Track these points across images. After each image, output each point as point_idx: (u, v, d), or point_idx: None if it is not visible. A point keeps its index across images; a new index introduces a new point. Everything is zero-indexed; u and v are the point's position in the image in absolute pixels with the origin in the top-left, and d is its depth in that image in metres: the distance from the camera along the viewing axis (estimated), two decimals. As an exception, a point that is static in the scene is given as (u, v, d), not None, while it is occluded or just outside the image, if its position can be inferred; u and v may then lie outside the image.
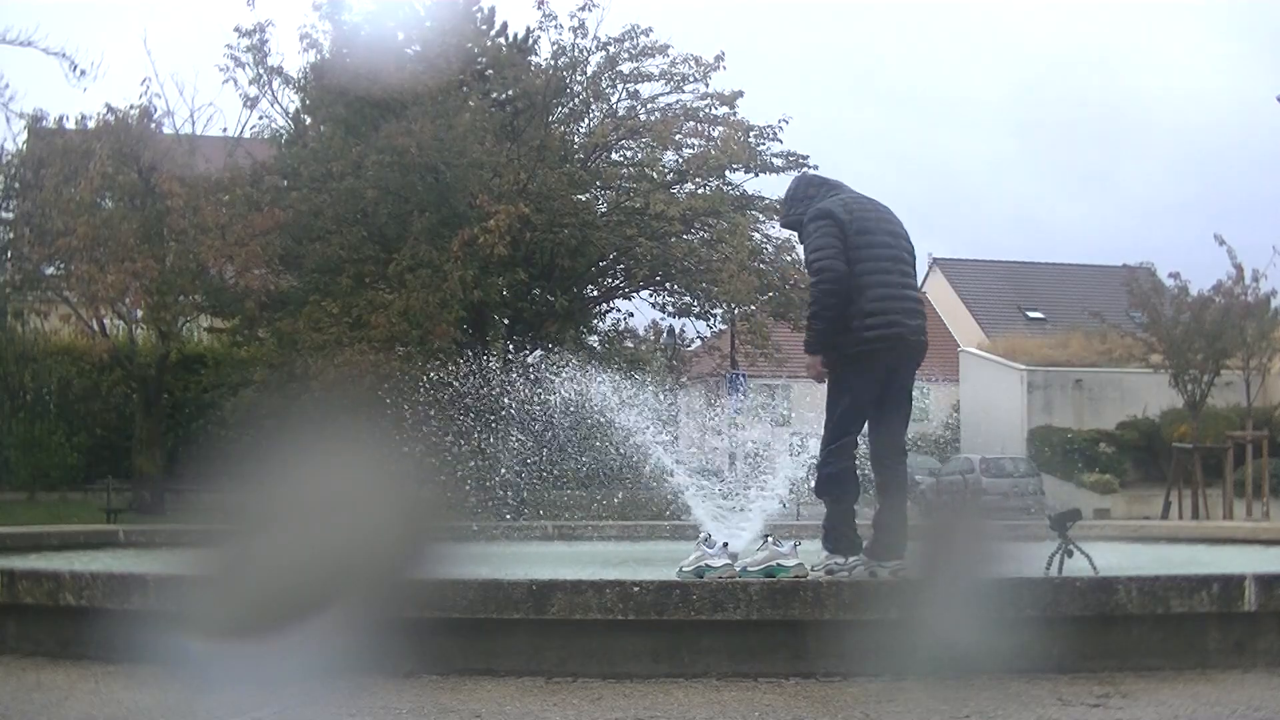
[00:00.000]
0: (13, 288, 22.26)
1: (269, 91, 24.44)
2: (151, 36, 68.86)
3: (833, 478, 5.48)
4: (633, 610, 3.80)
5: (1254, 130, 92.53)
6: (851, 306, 5.43)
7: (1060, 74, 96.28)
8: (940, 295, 50.87)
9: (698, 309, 26.09)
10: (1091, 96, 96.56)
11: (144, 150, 21.12)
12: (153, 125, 22.17)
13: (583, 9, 23.71)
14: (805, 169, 25.03)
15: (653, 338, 28.89)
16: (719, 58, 24.78)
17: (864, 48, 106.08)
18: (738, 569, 4.98)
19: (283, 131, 25.20)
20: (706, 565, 5.02)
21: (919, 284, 5.95)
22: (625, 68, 24.76)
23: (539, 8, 24.20)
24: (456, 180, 21.74)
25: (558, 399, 9.73)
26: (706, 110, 25.00)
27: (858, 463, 5.56)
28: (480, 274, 21.15)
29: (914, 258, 5.77)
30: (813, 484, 5.70)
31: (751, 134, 24.66)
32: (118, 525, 13.95)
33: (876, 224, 5.60)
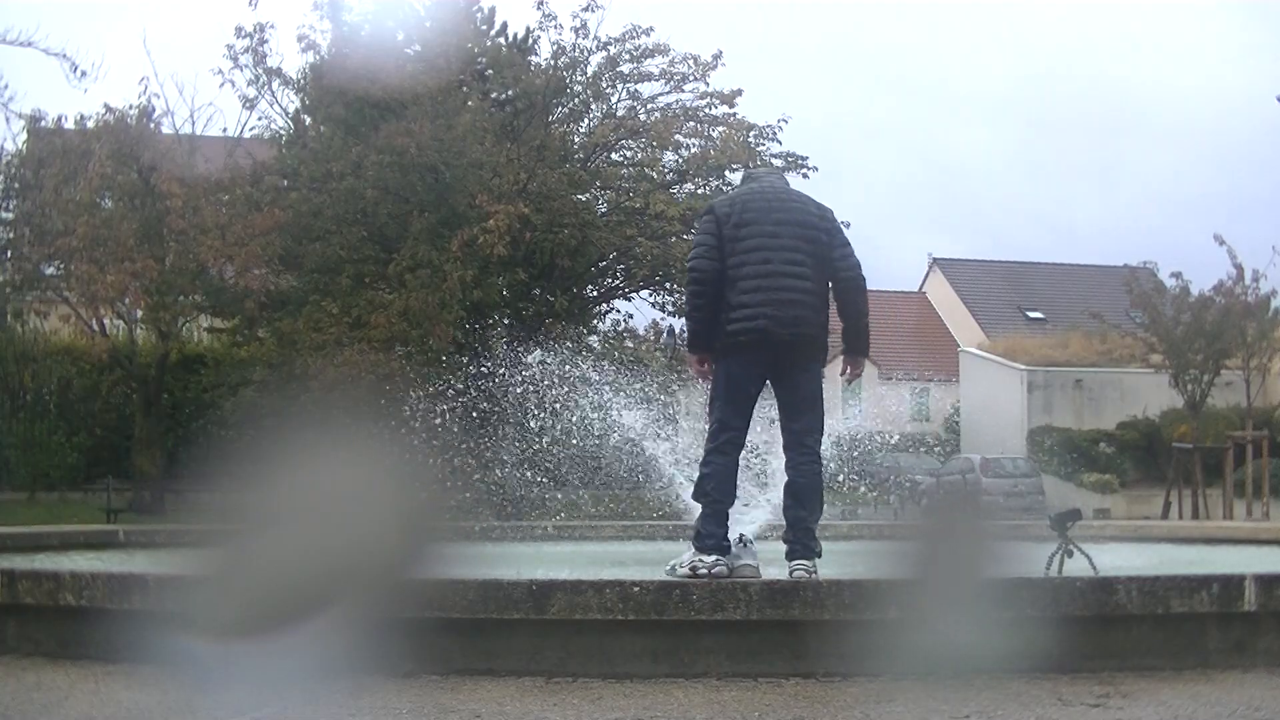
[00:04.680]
0: (13, 288, 22.26)
1: (268, 92, 24.48)
2: (151, 36, 68.89)
3: (706, 478, 5.42)
4: (633, 610, 3.79)
5: (1257, 128, 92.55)
6: (722, 301, 5.37)
7: (1063, 70, 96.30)
8: (940, 295, 50.92)
9: (697, 309, 26.06)
10: (1094, 93, 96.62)
11: (143, 150, 21.12)
12: (152, 125, 22.18)
13: (585, 9, 23.76)
14: (805, 169, 25.11)
15: (653, 338, 28.91)
16: (717, 56, 24.83)
17: (869, 41, 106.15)
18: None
19: (282, 132, 25.21)
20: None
21: (847, 270, 5.52)
22: (625, 68, 24.79)
23: (539, 8, 24.24)
24: (456, 180, 21.75)
25: (557, 396, 9.74)
26: (706, 109, 25.03)
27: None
28: (480, 274, 21.16)
29: (820, 244, 5.45)
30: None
31: (751, 134, 24.69)
32: (118, 525, 13.94)
33: (762, 214, 5.43)
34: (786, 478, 5.44)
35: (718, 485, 5.40)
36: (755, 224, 5.40)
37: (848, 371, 5.64)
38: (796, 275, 5.35)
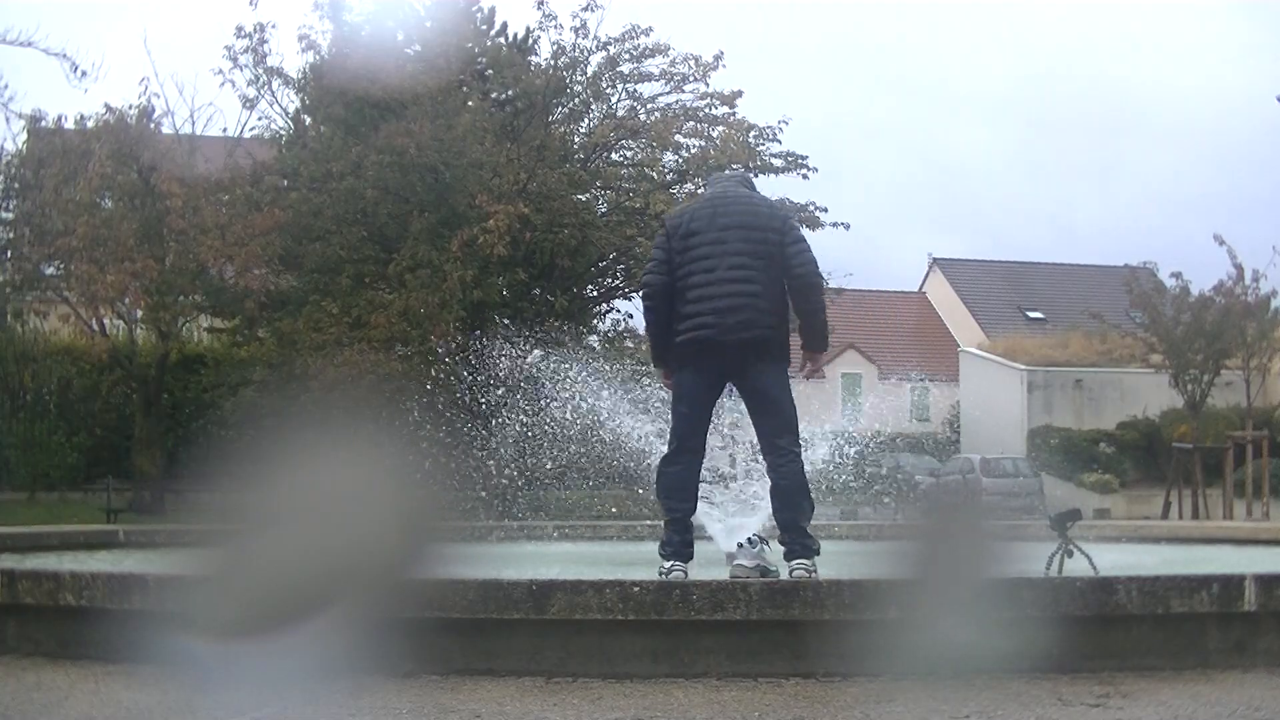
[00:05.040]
0: (13, 288, 22.28)
1: (268, 92, 24.49)
2: (151, 36, 69.00)
3: (661, 488, 5.50)
4: (633, 610, 3.79)
5: (1257, 128, 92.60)
6: (675, 313, 5.46)
7: (1063, 70, 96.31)
8: (940, 295, 50.92)
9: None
10: (1094, 93, 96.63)
11: (143, 150, 21.14)
12: (152, 125, 22.20)
13: (585, 9, 23.74)
14: (804, 169, 25.11)
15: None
16: (718, 57, 24.85)
17: (868, 41, 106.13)
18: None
19: (282, 132, 25.22)
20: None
21: (799, 267, 5.43)
22: (625, 68, 24.79)
23: (539, 8, 24.23)
24: (456, 180, 21.75)
25: (557, 398, 9.74)
26: (706, 110, 25.04)
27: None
28: (480, 274, 21.16)
29: (771, 244, 5.40)
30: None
31: (751, 134, 24.69)
32: (118, 525, 13.96)
33: (708, 221, 5.46)
34: (770, 482, 5.47)
35: (674, 494, 5.47)
36: (701, 233, 5.45)
37: (806, 368, 5.66)
38: (742, 279, 5.35)
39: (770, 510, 5.54)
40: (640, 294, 5.66)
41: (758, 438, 5.54)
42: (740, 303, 5.33)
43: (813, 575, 5.04)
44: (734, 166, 24.43)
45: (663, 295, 5.50)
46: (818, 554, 5.31)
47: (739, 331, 5.31)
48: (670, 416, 5.61)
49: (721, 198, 5.59)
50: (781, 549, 5.30)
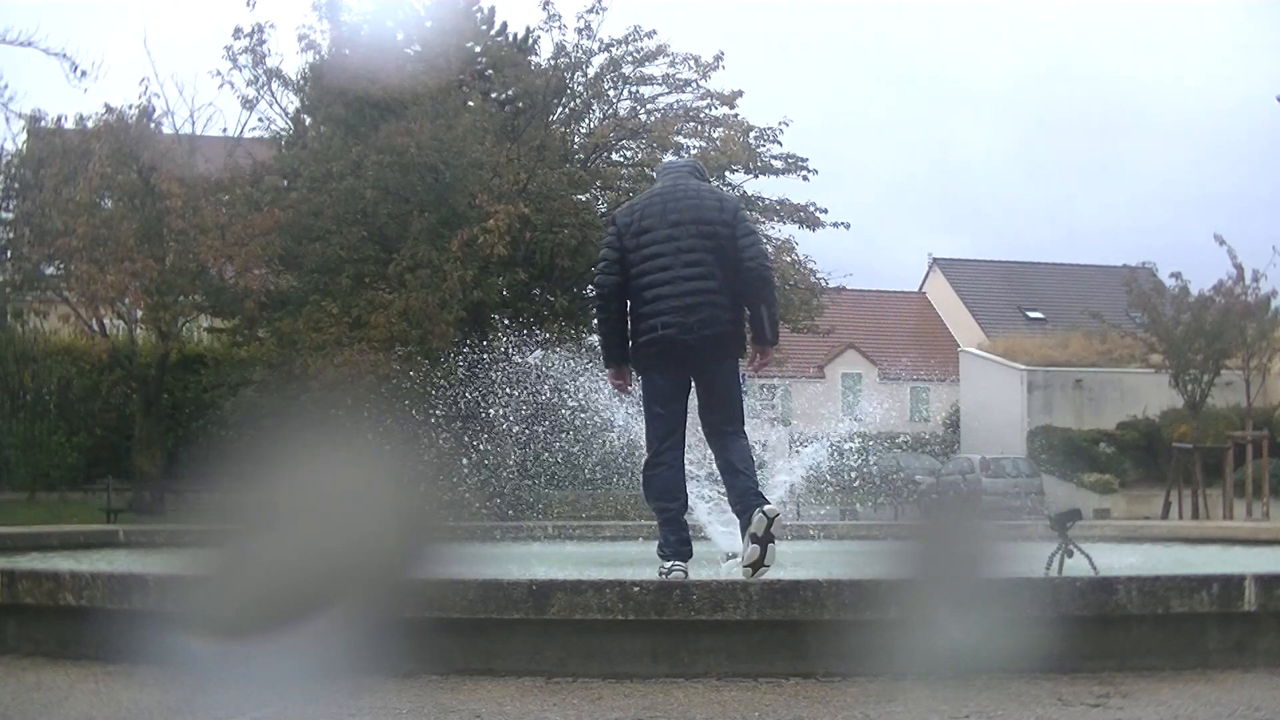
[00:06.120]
0: (13, 288, 22.29)
1: (267, 93, 24.50)
2: (151, 36, 69.21)
3: (650, 491, 5.50)
4: (633, 610, 3.79)
5: (1258, 127, 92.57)
6: (633, 313, 5.45)
7: (1064, 69, 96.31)
8: (940, 295, 50.91)
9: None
10: (1095, 92, 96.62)
11: (143, 150, 21.15)
12: (152, 125, 22.21)
13: (590, 10, 23.71)
14: (805, 171, 25.11)
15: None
16: (718, 58, 24.84)
17: (869, 39, 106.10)
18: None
19: (282, 132, 25.22)
20: None
21: (750, 260, 5.39)
22: (627, 69, 24.78)
23: (544, 8, 24.21)
24: (456, 180, 21.75)
25: (557, 397, 9.74)
26: (706, 111, 25.04)
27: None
28: (480, 274, 21.17)
29: (721, 237, 5.37)
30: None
31: (751, 134, 24.68)
32: (118, 525, 13.95)
33: (659, 218, 5.42)
34: (718, 462, 5.50)
35: (663, 495, 5.45)
36: (653, 230, 5.41)
37: (755, 360, 5.62)
38: (698, 276, 5.32)
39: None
40: (594, 293, 5.64)
41: (703, 424, 5.54)
42: (699, 300, 5.30)
43: (777, 517, 5.10)
44: (734, 167, 24.42)
45: (615, 296, 5.49)
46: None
47: (700, 330, 5.30)
48: (644, 419, 5.58)
49: (671, 191, 5.54)
50: (789, 549, 5.33)
